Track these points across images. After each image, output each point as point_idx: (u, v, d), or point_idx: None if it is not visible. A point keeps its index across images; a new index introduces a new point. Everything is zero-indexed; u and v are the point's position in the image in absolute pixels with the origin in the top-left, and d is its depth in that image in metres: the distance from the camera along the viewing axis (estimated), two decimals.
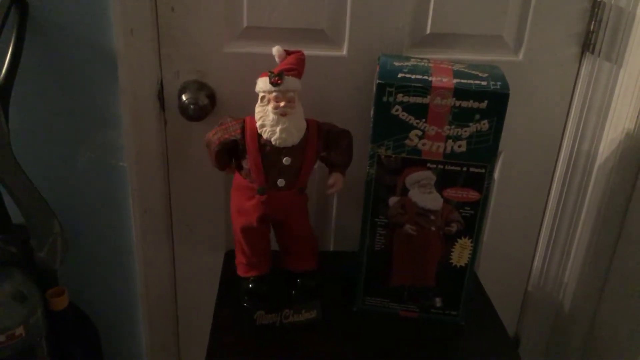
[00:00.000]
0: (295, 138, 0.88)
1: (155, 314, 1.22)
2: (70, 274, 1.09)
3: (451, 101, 0.82)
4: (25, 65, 0.94)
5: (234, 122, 0.91)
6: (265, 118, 0.87)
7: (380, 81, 0.83)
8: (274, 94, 0.86)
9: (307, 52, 0.92)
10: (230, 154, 0.93)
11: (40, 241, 0.93)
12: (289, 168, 0.89)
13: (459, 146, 0.85)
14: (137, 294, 1.18)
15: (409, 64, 0.89)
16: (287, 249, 1.01)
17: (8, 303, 0.91)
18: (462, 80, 0.83)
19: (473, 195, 0.88)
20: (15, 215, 0.94)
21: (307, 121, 0.91)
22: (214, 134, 0.91)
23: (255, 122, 0.88)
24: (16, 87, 0.93)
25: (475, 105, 0.82)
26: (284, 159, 0.88)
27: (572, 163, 1.16)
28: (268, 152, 0.88)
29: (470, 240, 0.92)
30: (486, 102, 0.82)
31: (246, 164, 0.90)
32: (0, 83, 0.90)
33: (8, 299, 0.91)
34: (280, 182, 0.90)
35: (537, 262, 1.27)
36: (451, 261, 0.94)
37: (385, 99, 0.84)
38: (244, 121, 0.90)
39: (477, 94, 0.82)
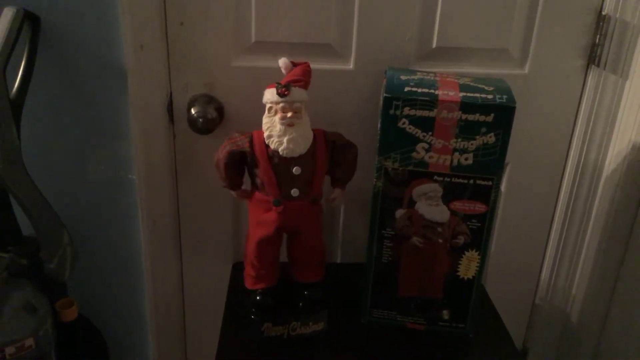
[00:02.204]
0: (302, 148, 0.89)
1: (163, 325, 1.22)
2: (78, 286, 1.10)
3: (458, 114, 0.83)
4: (37, 79, 0.95)
5: (241, 136, 0.92)
6: (273, 129, 0.88)
7: (387, 95, 0.84)
8: (281, 104, 0.87)
9: (314, 65, 0.93)
10: (238, 169, 0.94)
11: (50, 253, 0.94)
12: (301, 178, 0.90)
13: (466, 159, 0.85)
14: (145, 305, 1.19)
15: (416, 77, 0.89)
16: (296, 260, 1.02)
17: (18, 314, 0.91)
18: (469, 94, 0.84)
19: (480, 207, 0.89)
20: (26, 227, 0.95)
21: (314, 131, 0.91)
22: (222, 149, 0.92)
23: (263, 135, 0.89)
24: (28, 101, 0.94)
25: (482, 118, 0.83)
26: (294, 168, 0.89)
27: (578, 175, 1.16)
28: (278, 163, 0.89)
29: (477, 253, 0.92)
30: (492, 115, 0.82)
31: (259, 176, 0.91)
32: (12, 97, 0.91)
33: (18, 310, 0.92)
34: (295, 192, 0.91)
35: (544, 274, 1.27)
36: (458, 273, 0.94)
37: (392, 112, 0.84)
38: (251, 135, 0.91)
39: (484, 107, 0.82)
